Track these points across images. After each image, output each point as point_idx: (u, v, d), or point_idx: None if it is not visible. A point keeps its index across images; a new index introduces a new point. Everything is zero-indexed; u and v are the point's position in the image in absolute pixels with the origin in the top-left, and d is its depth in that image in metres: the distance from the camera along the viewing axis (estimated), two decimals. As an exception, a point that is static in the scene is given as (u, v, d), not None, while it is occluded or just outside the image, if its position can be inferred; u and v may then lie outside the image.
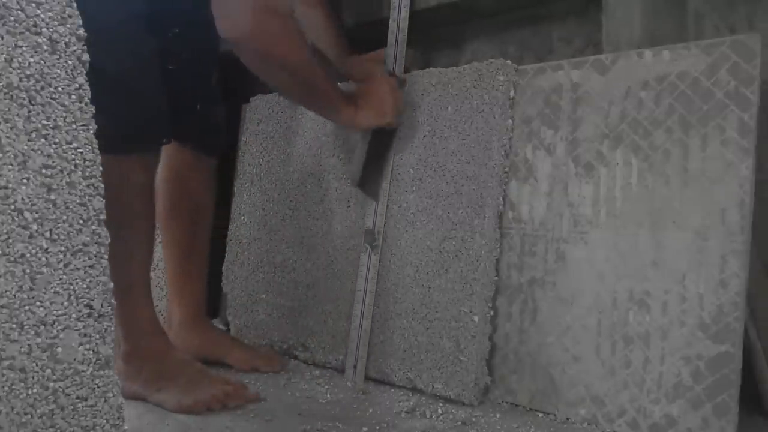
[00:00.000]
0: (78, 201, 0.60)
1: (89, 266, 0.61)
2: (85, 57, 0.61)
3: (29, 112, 0.58)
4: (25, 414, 0.56)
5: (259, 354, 1.27)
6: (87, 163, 0.61)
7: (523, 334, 1.04)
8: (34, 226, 0.57)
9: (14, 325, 0.56)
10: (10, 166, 0.56)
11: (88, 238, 0.61)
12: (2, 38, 0.56)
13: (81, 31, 0.61)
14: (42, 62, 0.59)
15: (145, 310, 1.11)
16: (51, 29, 0.59)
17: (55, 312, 0.58)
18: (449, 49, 1.49)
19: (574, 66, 1.04)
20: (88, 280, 0.60)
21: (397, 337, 1.14)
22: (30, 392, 0.56)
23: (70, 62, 0.60)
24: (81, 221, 0.60)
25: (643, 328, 0.93)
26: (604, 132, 1.00)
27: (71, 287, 0.59)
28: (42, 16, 0.59)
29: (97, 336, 0.61)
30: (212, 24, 1.03)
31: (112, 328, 0.62)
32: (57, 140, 0.59)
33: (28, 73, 0.58)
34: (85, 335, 0.60)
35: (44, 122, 0.58)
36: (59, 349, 0.58)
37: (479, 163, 1.08)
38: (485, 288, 1.06)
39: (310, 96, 1.15)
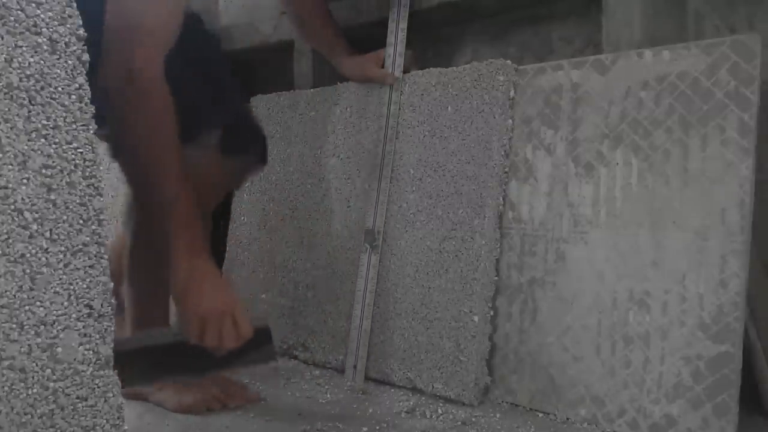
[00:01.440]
0: (78, 201, 0.60)
1: (89, 266, 0.61)
2: (85, 57, 0.61)
3: (29, 112, 0.58)
4: (25, 414, 0.56)
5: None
6: (87, 163, 0.61)
7: (523, 334, 1.04)
8: (34, 226, 0.57)
9: (14, 325, 0.56)
10: (10, 166, 0.56)
11: (88, 238, 0.61)
12: (2, 38, 0.56)
13: (81, 31, 0.61)
14: (42, 62, 0.59)
15: (162, 310, 1.12)
16: (51, 29, 0.59)
17: (55, 312, 0.58)
18: (449, 49, 1.49)
19: (574, 66, 1.04)
20: (88, 280, 0.60)
21: (397, 337, 1.14)
22: (30, 392, 0.56)
23: (70, 62, 0.60)
24: (81, 221, 0.60)
25: (643, 328, 0.93)
26: (604, 132, 1.00)
27: (71, 287, 0.59)
28: (42, 16, 0.59)
29: (97, 336, 0.61)
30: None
31: (113, 328, 0.62)
32: (57, 140, 0.59)
33: (28, 73, 0.58)
34: (85, 335, 0.60)
35: (44, 122, 0.58)
36: (59, 349, 0.58)
37: (479, 163, 1.08)
38: (485, 288, 1.06)
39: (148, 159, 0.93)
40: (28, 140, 0.57)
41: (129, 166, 1.00)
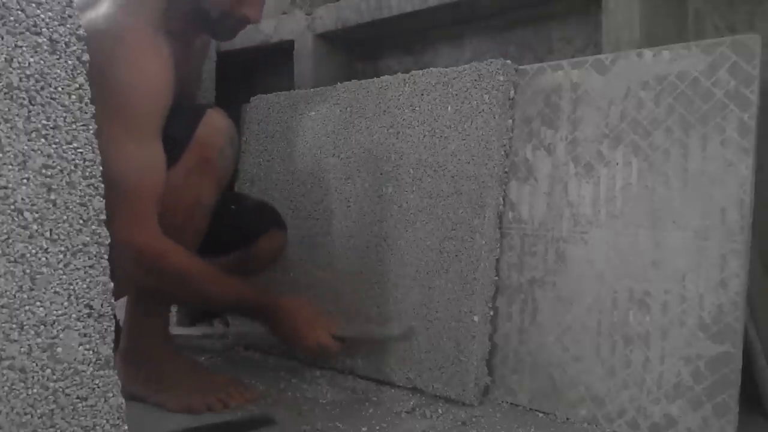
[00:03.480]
0: (78, 201, 0.60)
1: (89, 266, 0.61)
2: (85, 57, 0.61)
3: (29, 112, 0.58)
4: (25, 414, 0.56)
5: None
6: (87, 163, 0.61)
7: (523, 334, 1.04)
8: (34, 226, 0.57)
9: (14, 325, 0.56)
10: (10, 166, 0.56)
11: (88, 238, 0.61)
12: (2, 38, 0.56)
13: (81, 31, 0.61)
14: (42, 62, 0.59)
15: (163, 312, 1.13)
16: (51, 29, 0.59)
17: (55, 312, 0.58)
18: (449, 49, 1.49)
19: (574, 66, 1.04)
20: (88, 280, 0.60)
21: (397, 337, 1.14)
22: (30, 392, 0.56)
23: (70, 62, 0.60)
24: (81, 221, 0.60)
25: (643, 328, 0.93)
26: (604, 132, 1.00)
27: (71, 287, 0.59)
28: (42, 16, 0.59)
29: (97, 336, 0.61)
30: None
31: (113, 328, 0.62)
32: (57, 140, 0.59)
33: (28, 73, 0.58)
34: (85, 335, 0.60)
35: (44, 122, 0.58)
36: (59, 349, 0.58)
37: (479, 163, 1.08)
38: (485, 288, 1.06)
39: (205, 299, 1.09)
40: (28, 140, 0.57)
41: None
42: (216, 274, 1.04)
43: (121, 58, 0.91)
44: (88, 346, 0.60)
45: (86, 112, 0.61)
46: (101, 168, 0.62)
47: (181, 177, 1.02)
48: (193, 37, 1.09)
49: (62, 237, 0.59)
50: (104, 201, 0.62)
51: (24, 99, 0.57)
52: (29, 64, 0.58)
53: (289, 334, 1.09)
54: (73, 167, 0.60)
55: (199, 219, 1.07)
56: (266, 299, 1.10)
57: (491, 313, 1.07)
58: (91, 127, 0.62)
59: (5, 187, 0.56)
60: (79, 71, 0.61)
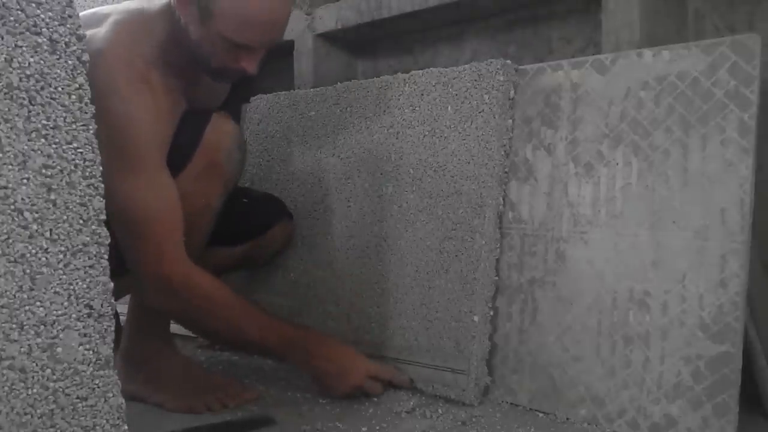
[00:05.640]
0: (78, 201, 0.60)
1: (89, 266, 0.61)
2: (85, 57, 0.61)
3: (29, 112, 0.58)
4: (25, 414, 0.56)
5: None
6: (87, 163, 0.61)
7: (523, 334, 1.04)
8: (34, 226, 0.57)
9: (14, 325, 0.56)
10: (10, 166, 0.56)
11: (88, 238, 0.61)
12: (2, 38, 0.56)
13: (81, 31, 0.61)
14: (42, 62, 0.59)
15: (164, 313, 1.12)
16: (51, 29, 0.59)
17: (55, 312, 0.58)
18: (449, 49, 1.49)
19: (574, 66, 1.04)
20: (88, 280, 0.60)
21: (397, 337, 1.14)
22: (30, 392, 0.56)
23: (70, 62, 0.60)
24: (81, 221, 0.60)
25: (643, 328, 0.93)
26: (604, 132, 1.00)
27: (71, 287, 0.59)
28: (42, 16, 0.59)
29: (97, 336, 0.61)
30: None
31: (113, 328, 0.62)
32: (57, 140, 0.59)
33: (28, 73, 0.58)
34: (85, 335, 0.60)
35: (44, 122, 0.58)
36: (59, 349, 0.58)
37: (479, 163, 1.08)
38: (485, 288, 1.06)
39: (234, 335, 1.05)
40: (28, 140, 0.57)
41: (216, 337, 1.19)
42: (246, 306, 1.03)
43: (111, 89, 0.91)
44: (88, 346, 0.60)
45: (86, 112, 0.61)
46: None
47: (191, 182, 1.02)
48: (197, 68, 1.07)
49: (62, 237, 0.59)
50: (104, 202, 0.62)
51: (24, 99, 0.57)
52: (29, 64, 0.58)
53: (333, 373, 1.06)
54: (73, 167, 0.60)
55: (206, 222, 1.08)
56: (306, 333, 1.06)
57: (491, 313, 1.07)
58: (91, 127, 0.62)
59: (5, 187, 0.56)
60: (79, 71, 0.61)
